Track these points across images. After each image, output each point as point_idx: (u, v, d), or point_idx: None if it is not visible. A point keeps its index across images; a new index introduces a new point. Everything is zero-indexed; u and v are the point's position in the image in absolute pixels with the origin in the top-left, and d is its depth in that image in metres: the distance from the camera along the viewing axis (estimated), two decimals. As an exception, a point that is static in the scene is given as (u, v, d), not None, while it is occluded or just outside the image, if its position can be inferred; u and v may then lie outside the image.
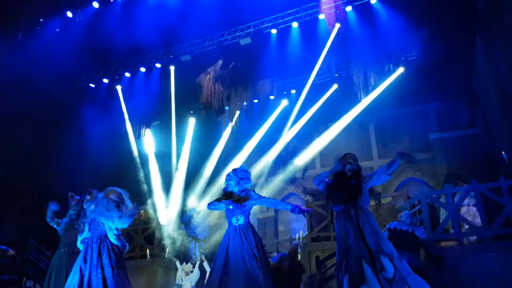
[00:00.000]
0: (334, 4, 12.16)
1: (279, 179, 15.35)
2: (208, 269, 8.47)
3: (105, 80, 15.14)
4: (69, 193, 6.68)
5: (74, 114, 14.26)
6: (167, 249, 10.71)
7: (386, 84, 13.04)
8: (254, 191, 5.13)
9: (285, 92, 15.09)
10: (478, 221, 7.30)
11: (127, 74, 14.97)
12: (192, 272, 9.08)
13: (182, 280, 9.04)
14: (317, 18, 12.51)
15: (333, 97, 14.00)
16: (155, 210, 12.78)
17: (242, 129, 15.32)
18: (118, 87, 15.08)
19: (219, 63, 13.44)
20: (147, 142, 15.32)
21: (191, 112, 15.21)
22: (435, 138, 14.41)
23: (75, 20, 13.42)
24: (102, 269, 4.48)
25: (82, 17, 13.39)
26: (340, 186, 4.31)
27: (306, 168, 16.02)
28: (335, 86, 13.97)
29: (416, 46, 12.51)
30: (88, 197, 6.19)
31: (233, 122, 15.22)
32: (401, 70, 12.84)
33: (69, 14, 13.27)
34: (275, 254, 10.03)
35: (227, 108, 14.98)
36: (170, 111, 14.87)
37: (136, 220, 11.73)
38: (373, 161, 15.59)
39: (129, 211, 4.86)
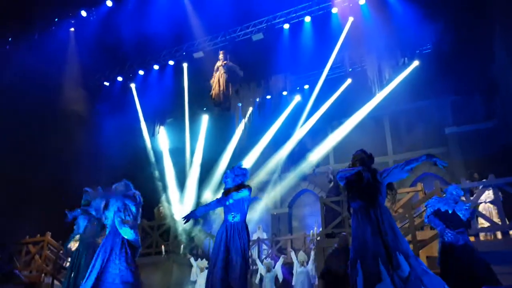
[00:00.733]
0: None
1: (293, 175, 15.32)
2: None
3: (119, 78, 15.28)
4: (84, 189, 6.67)
5: (89, 112, 14.44)
6: (182, 246, 10.79)
7: (400, 77, 12.88)
8: (246, 186, 5.11)
9: (298, 88, 15.01)
10: (495, 218, 7.19)
11: (141, 72, 15.08)
12: (207, 268, 9.13)
13: (197, 276, 9.10)
14: (330, 12, 12.38)
15: (347, 92, 13.88)
16: (170, 206, 12.89)
17: (255, 125, 15.31)
18: (132, 85, 15.21)
19: (221, 54, 13.41)
20: (161, 139, 15.44)
21: (204, 108, 15.27)
22: (451, 132, 14.16)
23: (89, 19, 13.56)
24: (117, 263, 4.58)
25: (96, 16, 13.52)
26: (359, 183, 4.25)
27: (319, 164, 15.94)
28: (349, 81, 13.85)
29: (431, 38, 12.30)
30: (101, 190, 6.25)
31: (246, 118, 15.22)
32: (416, 63, 12.66)
33: (84, 13, 13.42)
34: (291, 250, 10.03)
35: (239, 104, 14.99)
36: (184, 108, 14.95)
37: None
38: (387, 156, 15.40)
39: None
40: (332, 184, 10.67)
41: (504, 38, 10.73)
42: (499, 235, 6.89)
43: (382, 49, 12.72)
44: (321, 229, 9.76)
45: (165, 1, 12.86)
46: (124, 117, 14.62)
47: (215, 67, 13.52)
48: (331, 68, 13.58)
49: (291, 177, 15.27)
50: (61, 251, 9.88)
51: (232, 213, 4.96)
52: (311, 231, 11.25)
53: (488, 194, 7.52)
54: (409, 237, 7.05)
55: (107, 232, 4.97)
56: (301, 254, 9.10)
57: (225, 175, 5.27)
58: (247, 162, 15.08)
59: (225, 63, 13.41)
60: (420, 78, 12.63)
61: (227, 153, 15.30)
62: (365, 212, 4.09)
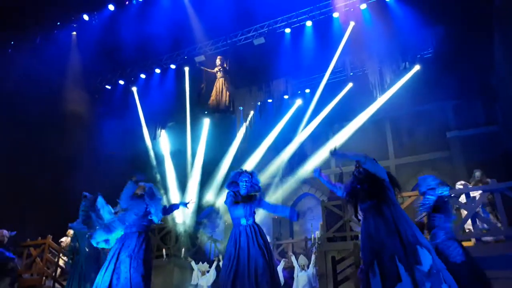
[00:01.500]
0: (348, 2, 12.07)
1: (294, 179, 15.32)
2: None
3: (121, 82, 15.32)
4: (83, 193, 6.57)
5: (91, 115, 14.48)
6: (183, 249, 10.79)
7: (402, 82, 12.90)
8: (261, 197, 5.09)
9: (299, 92, 15.04)
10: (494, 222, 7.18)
11: (143, 76, 15.12)
12: (208, 272, 9.12)
13: (198, 279, 9.09)
14: (331, 17, 12.42)
15: (348, 96, 13.91)
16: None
17: (256, 129, 15.33)
18: (134, 89, 15.25)
19: (218, 60, 13.45)
20: (163, 143, 15.47)
21: (206, 112, 15.30)
22: (452, 136, 14.16)
23: (92, 23, 13.62)
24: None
25: (98, 20, 13.58)
26: (362, 184, 4.20)
27: (320, 168, 15.93)
28: (350, 85, 13.87)
29: (432, 43, 12.34)
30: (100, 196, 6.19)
31: (247, 122, 15.25)
32: (417, 67, 12.68)
33: (86, 17, 13.48)
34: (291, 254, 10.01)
35: (241, 108, 15.02)
36: (185, 112, 14.98)
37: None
38: (389, 160, 15.39)
39: None
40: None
41: (504, 44, 10.76)
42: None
43: (383, 54, 12.75)
44: (322, 233, 9.76)
45: (167, 5, 12.92)
46: (126, 120, 14.66)
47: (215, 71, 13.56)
48: (332, 72, 13.60)
49: (292, 181, 15.28)
50: (62, 254, 9.88)
51: (246, 217, 4.82)
52: (312, 235, 11.24)
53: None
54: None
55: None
56: (302, 258, 9.09)
57: (244, 177, 5.05)
58: (248, 166, 15.09)
59: (220, 69, 13.45)
60: (421, 83, 12.65)
61: (228, 156, 15.32)
62: (377, 210, 3.97)
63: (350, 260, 7.74)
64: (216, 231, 13.42)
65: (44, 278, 9.49)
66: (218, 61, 13.59)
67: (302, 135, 14.66)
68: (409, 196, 10.03)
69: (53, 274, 9.45)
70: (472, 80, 12.64)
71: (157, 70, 14.85)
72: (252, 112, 15.21)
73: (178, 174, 14.81)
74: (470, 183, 8.40)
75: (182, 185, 14.57)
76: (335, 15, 12.34)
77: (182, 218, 12.57)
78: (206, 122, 15.62)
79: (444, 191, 4.85)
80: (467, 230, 7.33)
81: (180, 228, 11.24)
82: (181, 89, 14.72)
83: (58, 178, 12.12)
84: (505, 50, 10.54)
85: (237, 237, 4.68)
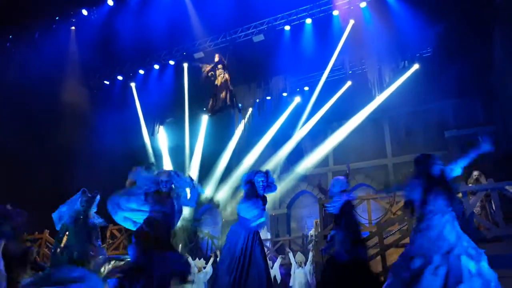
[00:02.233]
0: (348, 0, 12.05)
1: (292, 176, 15.33)
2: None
3: (120, 77, 15.29)
4: (82, 189, 6.39)
5: (89, 111, 14.45)
6: (180, 245, 10.80)
7: (401, 81, 12.91)
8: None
9: (298, 89, 15.04)
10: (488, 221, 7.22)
11: (141, 71, 15.10)
12: (205, 268, 9.13)
13: (195, 276, 9.09)
14: (331, 14, 12.41)
15: (347, 94, 13.91)
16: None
17: (255, 126, 15.32)
18: (132, 84, 15.23)
19: (216, 57, 13.40)
20: (161, 139, 15.45)
21: (204, 109, 15.29)
22: (451, 136, 14.16)
23: (90, 18, 13.57)
24: None
25: (97, 15, 13.54)
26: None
27: (318, 165, 15.96)
28: (349, 83, 13.87)
29: (431, 42, 12.34)
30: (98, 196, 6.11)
31: (246, 119, 15.24)
32: (416, 66, 12.69)
33: (85, 12, 13.43)
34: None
35: (240, 105, 15.00)
36: (184, 108, 14.97)
37: None
38: (387, 159, 15.42)
39: None
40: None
41: (503, 43, 10.78)
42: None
43: (382, 52, 12.75)
44: (318, 230, 9.77)
45: (166, 1, 12.89)
46: (124, 116, 14.63)
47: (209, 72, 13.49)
48: (332, 70, 13.60)
49: (290, 178, 15.29)
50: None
51: (259, 219, 4.62)
52: (310, 232, 11.27)
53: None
54: (407, 240, 7.05)
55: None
56: (299, 255, 9.11)
57: (261, 177, 4.78)
58: (247, 163, 15.11)
59: (220, 66, 13.40)
60: (420, 81, 12.66)
61: (227, 153, 15.32)
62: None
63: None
64: (208, 228, 13.46)
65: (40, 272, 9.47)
66: (216, 58, 13.55)
67: (300, 132, 14.67)
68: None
69: (50, 269, 9.42)
70: (471, 79, 12.65)
71: (156, 66, 14.82)
72: (250, 109, 15.20)
73: (176, 170, 14.80)
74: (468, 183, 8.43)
75: (180, 182, 14.54)
76: (335, 13, 12.33)
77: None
78: (205, 119, 15.61)
79: (353, 196, 5.03)
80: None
81: (177, 224, 11.23)
82: (179, 86, 14.69)
83: (55, 172, 12.11)
84: (504, 49, 10.55)
85: (246, 238, 4.46)
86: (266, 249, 11.30)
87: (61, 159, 12.51)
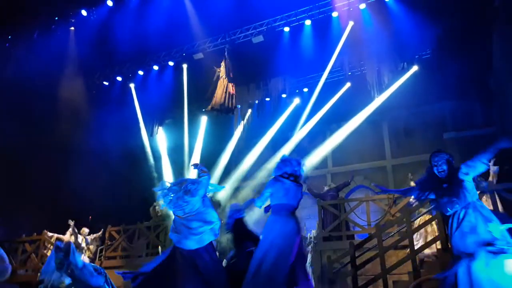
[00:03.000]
0: (347, 1, 12.06)
1: (291, 178, 15.30)
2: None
3: (119, 78, 15.28)
4: (55, 244, 5.56)
5: (88, 112, 14.44)
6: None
7: (400, 82, 12.92)
8: None
9: (297, 91, 15.03)
10: None
11: (140, 72, 15.08)
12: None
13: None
14: (330, 16, 12.41)
15: (346, 95, 13.91)
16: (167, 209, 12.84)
17: (254, 127, 15.31)
18: (132, 85, 15.21)
19: (223, 63, 13.40)
20: (160, 140, 15.44)
21: (203, 110, 15.27)
22: (449, 138, 14.16)
23: (90, 19, 13.56)
24: None
25: (96, 16, 13.52)
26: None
27: (317, 167, 15.95)
28: (348, 85, 13.88)
29: (430, 44, 12.34)
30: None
31: (245, 120, 15.23)
32: (415, 68, 12.71)
33: (84, 12, 13.42)
34: None
35: (239, 106, 14.99)
36: (183, 109, 14.95)
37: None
38: (386, 160, 15.42)
39: None
40: (329, 187, 10.67)
41: (502, 45, 10.79)
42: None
43: (381, 54, 12.75)
44: (317, 232, 9.77)
45: (166, 2, 12.88)
46: (123, 117, 14.61)
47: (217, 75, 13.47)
48: (331, 71, 13.60)
49: (289, 180, 15.26)
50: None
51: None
52: (309, 233, 11.25)
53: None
54: (406, 242, 7.06)
55: None
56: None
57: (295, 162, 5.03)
58: (245, 164, 15.10)
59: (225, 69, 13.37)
60: (419, 83, 12.67)
61: (226, 154, 15.30)
62: None
63: (346, 259, 7.75)
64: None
65: (39, 274, 9.46)
66: (223, 64, 13.49)
67: (299, 134, 14.66)
68: (406, 196, 10.04)
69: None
70: (470, 81, 12.66)
71: (155, 67, 14.81)
72: (249, 111, 15.19)
73: (175, 172, 14.79)
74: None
75: (179, 183, 14.53)
76: (334, 14, 12.33)
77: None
78: (204, 120, 15.59)
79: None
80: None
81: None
82: (179, 86, 14.68)
83: (54, 174, 12.10)
84: (503, 51, 10.56)
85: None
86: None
87: (59, 160, 12.50)
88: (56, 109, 13.12)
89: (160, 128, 15.53)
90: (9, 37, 13.25)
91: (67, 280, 5.27)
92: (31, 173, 11.72)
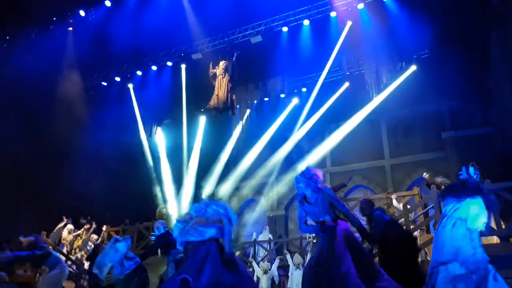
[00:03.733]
0: (346, 1, 12.07)
1: (289, 177, 15.32)
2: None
3: (117, 79, 15.25)
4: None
5: (86, 112, 14.42)
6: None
7: (398, 82, 12.92)
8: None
9: (295, 90, 15.03)
10: None
11: (139, 72, 15.06)
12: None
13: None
14: (328, 16, 12.42)
15: (344, 95, 13.91)
16: (167, 207, 12.89)
17: (252, 127, 15.30)
18: (130, 85, 15.19)
19: (222, 63, 13.35)
20: (159, 140, 15.42)
21: (202, 110, 15.26)
22: (448, 137, 14.22)
23: (88, 19, 13.54)
24: None
25: (94, 16, 13.51)
26: None
27: (316, 167, 15.95)
28: (346, 84, 13.88)
29: (429, 44, 12.35)
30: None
31: (244, 120, 15.22)
32: (413, 68, 12.71)
33: (82, 13, 13.40)
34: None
35: (237, 106, 14.98)
36: (181, 109, 14.93)
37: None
38: (384, 160, 15.44)
39: None
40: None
41: (500, 45, 10.81)
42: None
43: (380, 53, 12.75)
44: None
45: (164, 2, 12.87)
46: (121, 117, 14.59)
47: (214, 73, 13.41)
48: (329, 71, 13.60)
49: (288, 180, 15.29)
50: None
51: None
52: (307, 234, 11.23)
53: None
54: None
55: None
56: (297, 257, 9.10)
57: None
58: (244, 164, 15.10)
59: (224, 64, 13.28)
60: (418, 83, 12.68)
61: (224, 154, 15.29)
62: None
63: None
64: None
65: (38, 275, 9.43)
66: (221, 64, 13.42)
67: (298, 134, 14.66)
68: (403, 196, 10.06)
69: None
70: (468, 80, 12.68)
71: (154, 67, 14.80)
72: (248, 110, 15.18)
73: (174, 172, 14.78)
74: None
75: (178, 183, 14.53)
76: (333, 14, 12.34)
77: (177, 213, 12.60)
78: (202, 120, 15.59)
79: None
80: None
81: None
82: (177, 87, 14.66)
83: (52, 175, 12.07)
84: (500, 50, 10.59)
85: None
86: (264, 251, 11.32)
87: (58, 160, 12.48)
88: (54, 109, 13.09)
89: (159, 128, 15.51)
90: (7, 37, 13.23)
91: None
92: (29, 173, 11.70)
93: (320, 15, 12.47)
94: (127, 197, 12.96)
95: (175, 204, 13.84)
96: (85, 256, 10.01)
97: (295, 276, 8.71)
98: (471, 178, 4.80)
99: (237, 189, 15.38)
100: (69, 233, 10.74)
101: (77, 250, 10.62)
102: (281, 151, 15.10)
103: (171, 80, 14.69)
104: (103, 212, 12.10)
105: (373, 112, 13.62)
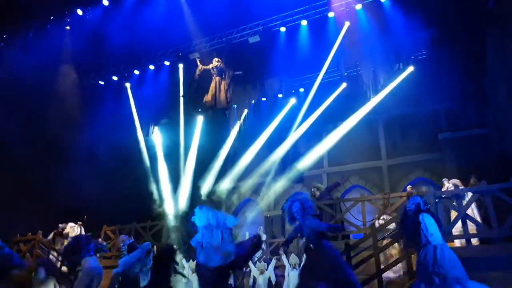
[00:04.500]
0: (343, 2, 12.09)
1: (287, 177, 15.33)
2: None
3: (115, 78, 15.22)
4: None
5: (83, 111, 14.38)
6: (174, 246, 10.74)
7: (395, 83, 12.94)
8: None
9: (293, 91, 15.05)
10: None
11: (136, 72, 15.03)
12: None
13: (189, 277, 9.05)
14: (326, 16, 12.43)
15: (342, 96, 13.93)
16: (163, 209, 12.89)
17: (250, 127, 15.30)
18: (127, 85, 15.16)
19: (215, 61, 13.33)
20: (156, 139, 15.39)
21: (199, 110, 15.24)
22: (444, 138, 14.24)
23: (85, 18, 13.50)
24: None
25: (92, 15, 13.47)
26: None
27: (313, 167, 15.96)
28: (344, 85, 13.90)
29: (426, 45, 12.40)
30: None
31: (241, 120, 15.22)
32: (410, 69, 12.74)
33: (79, 12, 13.36)
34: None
35: (235, 106, 14.98)
36: (179, 109, 14.91)
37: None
38: (381, 160, 15.47)
39: None
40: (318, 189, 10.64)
41: (495, 47, 10.86)
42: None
43: (377, 54, 12.78)
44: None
45: (162, 2, 12.85)
46: (119, 116, 14.56)
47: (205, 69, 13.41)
48: (327, 72, 13.61)
49: (285, 180, 15.29)
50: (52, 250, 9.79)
51: None
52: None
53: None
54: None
55: None
56: (293, 257, 9.10)
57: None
58: (241, 164, 15.09)
59: (216, 65, 13.28)
60: (415, 84, 12.71)
61: (222, 154, 15.28)
62: None
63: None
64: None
65: (33, 274, 9.39)
66: (215, 62, 13.44)
67: (295, 134, 14.65)
68: (400, 197, 10.09)
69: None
70: (465, 82, 12.74)
71: (151, 67, 14.77)
72: (246, 110, 15.18)
73: (171, 171, 14.75)
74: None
75: (175, 182, 14.51)
76: (330, 14, 12.35)
77: (174, 212, 12.60)
78: (200, 120, 15.56)
79: None
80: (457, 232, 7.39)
81: (172, 225, 11.22)
82: (175, 86, 14.64)
83: (49, 173, 12.03)
84: (496, 51, 10.64)
85: None
86: (261, 251, 11.31)
87: (54, 161, 12.44)
88: (52, 108, 13.05)
89: (156, 128, 15.47)
90: (4, 36, 13.17)
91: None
92: (26, 173, 11.66)
93: (318, 16, 12.49)
94: (124, 197, 12.92)
95: (172, 203, 13.82)
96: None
97: (292, 277, 8.70)
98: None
99: (234, 188, 15.37)
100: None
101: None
102: (279, 151, 15.08)
103: (169, 79, 14.67)
104: (100, 211, 12.07)
105: (370, 113, 13.63)
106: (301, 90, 14.91)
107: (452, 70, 12.15)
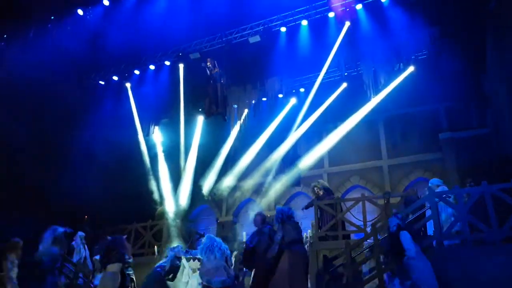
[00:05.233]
0: (344, 2, 12.09)
1: (287, 177, 15.34)
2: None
3: (115, 78, 15.22)
4: None
5: (83, 112, 14.38)
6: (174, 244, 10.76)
7: (396, 83, 12.95)
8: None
9: (293, 91, 15.06)
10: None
11: (137, 72, 15.04)
12: (199, 269, 9.08)
13: (189, 277, 9.05)
14: (327, 16, 12.43)
15: (342, 95, 13.94)
16: (164, 208, 12.90)
17: (250, 127, 15.31)
18: (128, 85, 15.17)
19: (208, 62, 13.32)
20: (156, 139, 15.41)
21: (200, 110, 15.25)
22: (445, 138, 14.23)
23: (86, 18, 13.51)
24: None
25: (92, 15, 13.48)
26: None
27: (313, 167, 15.96)
28: (344, 85, 13.91)
29: (426, 45, 12.40)
30: None
31: (242, 120, 15.23)
32: (411, 69, 12.75)
33: (80, 12, 13.37)
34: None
35: (235, 106, 14.99)
36: (179, 109, 14.93)
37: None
38: (382, 160, 15.46)
39: None
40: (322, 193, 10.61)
41: (495, 47, 10.86)
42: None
43: (378, 54, 12.79)
44: (314, 232, 9.79)
45: (162, 2, 12.86)
46: (119, 116, 14.57)
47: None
48: (327, 72, 13.62)
49: (285, 180, 15.29)
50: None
51: None
52: (304, 234, 11.25)
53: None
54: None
55: None
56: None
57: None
58: (242, 164, 15.10)
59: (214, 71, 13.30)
60: (415, 84, 12.71)
61: (222, 154, 15.30)
62: None
63: (342, 259, 7.77)
64: (210, 229, 13.41)
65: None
66: (208, 64, 13.42)
67: (296, 134, 14.66)
68: (401, 196, 10.08)
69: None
70: (465, 82, 12.73)
71: (152, 67, 14.78)
72: (246, 110, 15.19)
73: (171, 171, 14.77)
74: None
75: (175, 182, 14.53)
76: (331, 14, 12.36)
77: (173, 211, 12.62)
78: (200, 119, 15.57)
79: None
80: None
81: (172, 224, 11.23)
82: (175, 86, 14.65)
83: (49, 174, 12.03)
84: (497, 53, 10.63)
85: None
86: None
87: (52, 161, 12.42)
88: (51, 108, 13.04)
89: (156, 128, 15.49)
90: (4, 36, 13.17)
91: None
92: (26, 173, 11.65)
93: (318, 16, 12.49)
94: (124, 197, 12.93)
95: (172, 203, 13.83)
96: None
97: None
98: None
99: (235, 188, 15.38)
100: None
101: None
102: (279, 151, 15.10)
103: (169, 79, 14.68)
104: (100, 211, 12.07)
105: (371, 113, 13.64)
106: (302, 90, 14.91)
107: (452, 70, 12.13)
